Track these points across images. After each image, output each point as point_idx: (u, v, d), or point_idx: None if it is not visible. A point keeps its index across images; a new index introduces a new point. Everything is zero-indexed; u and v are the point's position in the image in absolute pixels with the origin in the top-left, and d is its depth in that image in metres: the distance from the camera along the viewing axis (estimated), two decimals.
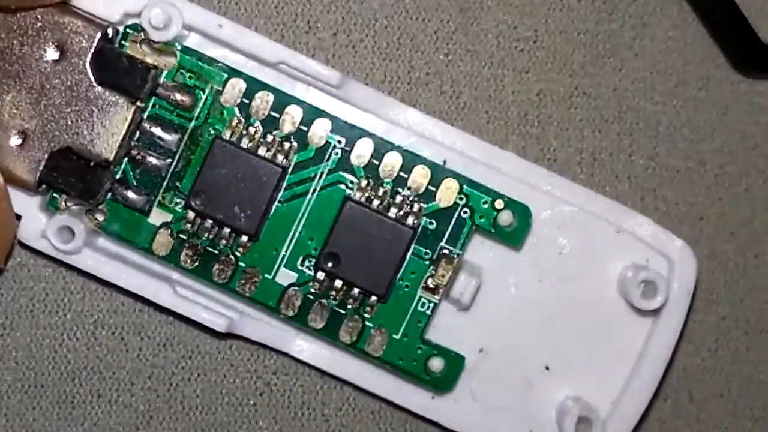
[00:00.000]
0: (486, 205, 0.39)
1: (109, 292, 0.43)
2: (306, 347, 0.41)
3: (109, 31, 0.39)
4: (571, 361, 0.41)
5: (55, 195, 0.40)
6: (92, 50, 0.39)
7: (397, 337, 0.40)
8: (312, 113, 0.39)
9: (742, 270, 0.44)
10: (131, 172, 0.40)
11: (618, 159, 0.44)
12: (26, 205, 0.40)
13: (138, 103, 0.39)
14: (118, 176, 0.39)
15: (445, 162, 0.40)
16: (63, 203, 0.40)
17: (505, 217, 0.39)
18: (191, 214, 0.39)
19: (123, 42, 0.39)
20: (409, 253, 0.39)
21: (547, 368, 0.41)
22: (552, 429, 0.40)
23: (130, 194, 0.39)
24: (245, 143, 0.39)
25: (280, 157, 0.39)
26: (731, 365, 0.44)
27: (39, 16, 0.39)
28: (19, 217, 0.40)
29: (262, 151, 0.39)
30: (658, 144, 0.44)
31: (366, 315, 0.40)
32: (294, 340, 0.41)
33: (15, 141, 0.39)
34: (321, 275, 0.39)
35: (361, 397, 0.44)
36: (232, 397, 0.43)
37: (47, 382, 0.43)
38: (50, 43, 0.39)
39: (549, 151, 0.44)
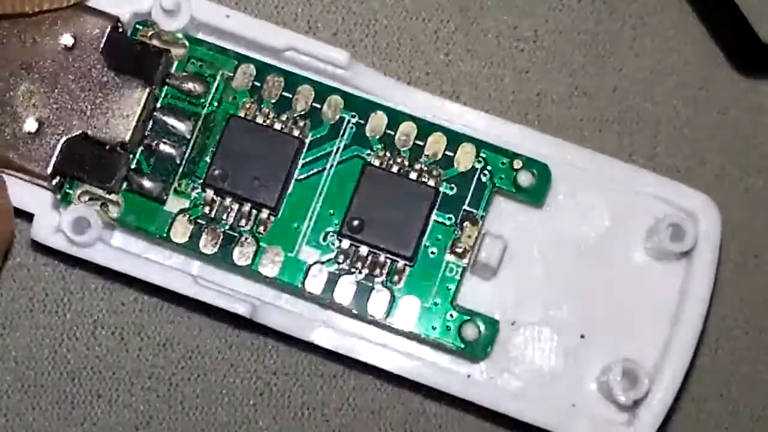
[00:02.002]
0: (504, 166, 0.39)
1: (109, 291, 0.43)
2: (328, 334, 0.40)
3: (119, 25, 0.39)
4: (606, 326, 0.40)
5: (68, 191, 0.39)
6: (104, 38, 0.39)
7: (428, 305, 0.39)
8: (324, 91, 0.39)
9: (742, 270, 0.44)
10: (146, 162, 0.39)
11: (618, 159, 0.44)
12: (38, 203, 0.39)
13: (152, 85, 0.39)
14: (132, 165, 0.39)
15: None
16: (76, 198, 0.39)
17: (525, 177, 0.39)
18: (210, 195, 0.39)
19: (133, 38, 0.40)
20: (432, 217, 0.39)
21: (583, 336, 0.40)
22: (597, 400, 0.40)
23: (146, 182, 0.39)
24: (260, 122, 0.39)
25: (296, 132, 0.39)
26: (731, 365, 0.44)
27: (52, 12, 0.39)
28: (30, 217, 0.40)
29: (277, 128, 0.39)
30: (658, 144, 0.44)
31: (395, 286, 0.39)
32: (316, 327, 0.39)
33: (30, 130, 0.39)
34: (346, 244, 0.39)
35: (361, 396, 0.44)
36: (232, 397, 0.43)
37: (47, 382, 0.43)
38: (63, 33, 0.39)
39: None
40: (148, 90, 0.39)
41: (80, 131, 0.39)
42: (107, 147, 0.39)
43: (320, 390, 0.44)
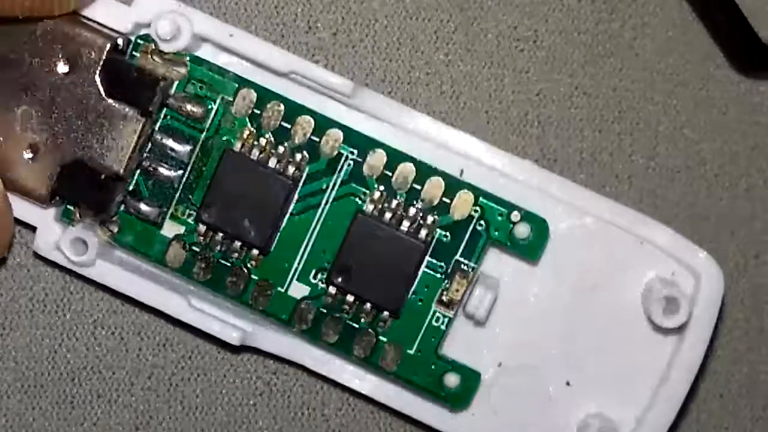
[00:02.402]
0: (501, 218, 0.38)
1: (109, 292, 0.43)
2: (320, 359, 0.40)
3: (120, 41, 0.39)
4: (593, 376, 0.39)
5: (69, 207, 0.39)
6: (101, 62, 0.38)
7: (412, 352, 0.39)
8: (324, 123, 0.39)
9: (742, 270, 0.44)
10: (143, 184, 0.39)
11: (618, 159, 0.44)
12: (41, 216, 0.40)
13: (148, 116, 0.39)
14: (130, 188, 0.39)
15: (462, 172, 0.39)
16: (77, 215, 0.39)
17: (522, 230, 0.38)
18: (202, 227, 0.39)
19: (134, 53, 0.39)
20: (421, 268, 0.38)
21: (569, 384, 0.40)
22: None
23: (143, 206, 0.39)
24: (255, 155, 0.38)
25: (291, 169, 0.39)
26: (731, 365, 0.44)
27: (49, 28, 0.38)
28: (33, 229, 0.40)
29: (272, 163, 0.38)
30: (658, 144, 0.44)
31: (379, 329, 0.39)
32: (308, 351, 0.40)
33: (27, 154, 0.39)
34: (333, 289, 0.39)
35: (361, 397, 0.43)
36: (232, 397, 0.43)
37: (47, 382, 0.43)
38: (60, 56, 0.38)
39: (549, 151, 0.44)
40: (144, 120, 0.39)
41: (76, 158, 0.39)
42: (103, 176, 0.39)
43: (320, 390, 0.44)
